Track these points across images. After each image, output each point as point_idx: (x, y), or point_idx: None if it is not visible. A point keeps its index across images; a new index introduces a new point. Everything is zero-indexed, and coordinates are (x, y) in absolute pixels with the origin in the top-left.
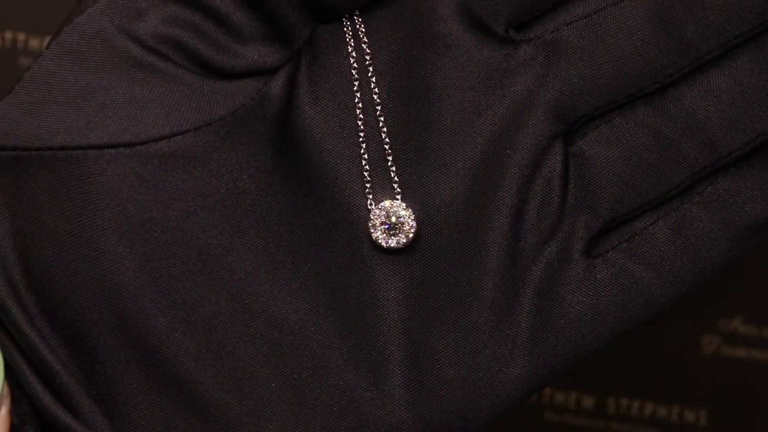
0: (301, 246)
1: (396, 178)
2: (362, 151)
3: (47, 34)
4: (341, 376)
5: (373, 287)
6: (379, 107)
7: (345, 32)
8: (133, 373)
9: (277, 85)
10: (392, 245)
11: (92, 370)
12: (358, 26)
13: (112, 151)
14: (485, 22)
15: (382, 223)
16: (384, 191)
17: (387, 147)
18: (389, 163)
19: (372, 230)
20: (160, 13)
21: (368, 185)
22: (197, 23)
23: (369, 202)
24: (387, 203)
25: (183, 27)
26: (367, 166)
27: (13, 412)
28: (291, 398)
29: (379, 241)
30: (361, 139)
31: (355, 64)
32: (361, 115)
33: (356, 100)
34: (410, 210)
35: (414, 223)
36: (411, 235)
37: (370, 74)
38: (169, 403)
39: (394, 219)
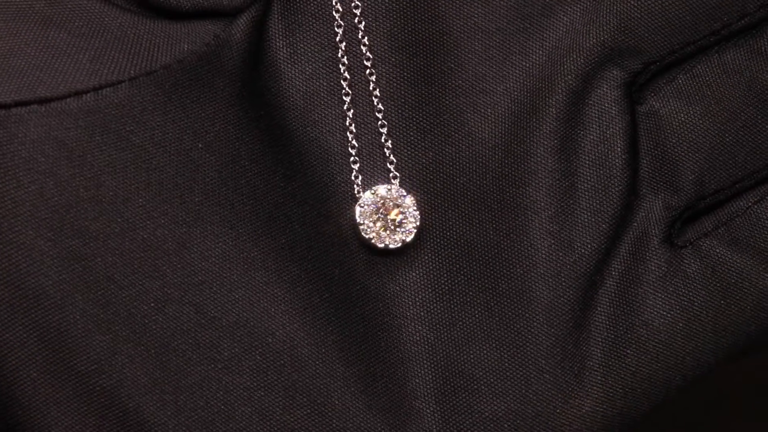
0: (286, 242)
1: (392, 157)
2: (348, 123)
3: None
4: (350, 417)
5: (383, 301)
6: (369, 63)
7: None
8: (69, 417)
9: (239, 30)
10: (389, 245)
11: (8, 414)
12: None
13: (22, 109)
14: None
15: (373, 214)
16: (377, 174)
17: (380, 115)
18: (382, 137)
19: (360, 226)
20: None
21: (355, 167)
22: None
23: (357, 189)
24: (381, 190)
25: None
26: (354, 142)
27: None
28: None
29: (372, 240)
30: (346, 107)
31: (338, 6)
32: (346, 74)
33: (340, 54)
34: (410, 197)
35: (417, 214)
36: (413, 234)
37: (357, 19)
38: None
39: (390, 211)
